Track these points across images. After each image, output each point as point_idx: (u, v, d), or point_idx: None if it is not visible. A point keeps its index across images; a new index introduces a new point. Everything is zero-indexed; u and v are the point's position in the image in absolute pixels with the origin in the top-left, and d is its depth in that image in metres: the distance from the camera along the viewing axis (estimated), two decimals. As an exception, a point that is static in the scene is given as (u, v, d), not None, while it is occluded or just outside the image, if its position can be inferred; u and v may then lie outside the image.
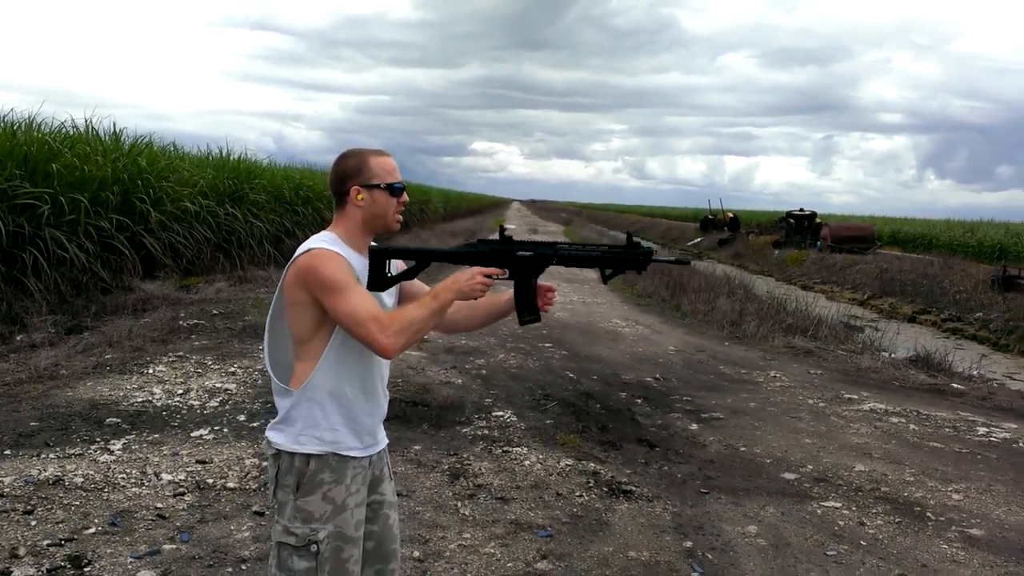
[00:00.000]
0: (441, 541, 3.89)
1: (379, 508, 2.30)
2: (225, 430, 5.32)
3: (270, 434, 2.20)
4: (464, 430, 5.58)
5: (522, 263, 2.23)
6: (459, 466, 4.88)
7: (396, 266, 2.33)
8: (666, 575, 3.68)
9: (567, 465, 5.00)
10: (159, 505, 4.12)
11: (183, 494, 4.27)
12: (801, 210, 31.96)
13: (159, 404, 5.79)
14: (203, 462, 4.73)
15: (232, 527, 3.92)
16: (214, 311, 9.31)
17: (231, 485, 4.43)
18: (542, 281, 2.32)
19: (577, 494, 4.57)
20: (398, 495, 2.93)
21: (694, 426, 6.09)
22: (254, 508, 4.14)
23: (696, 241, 36.81)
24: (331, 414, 2.15)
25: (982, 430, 6.39)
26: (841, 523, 4.37)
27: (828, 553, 3.97)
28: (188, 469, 4.61)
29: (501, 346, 8.44)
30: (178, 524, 3.92)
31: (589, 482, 4.76)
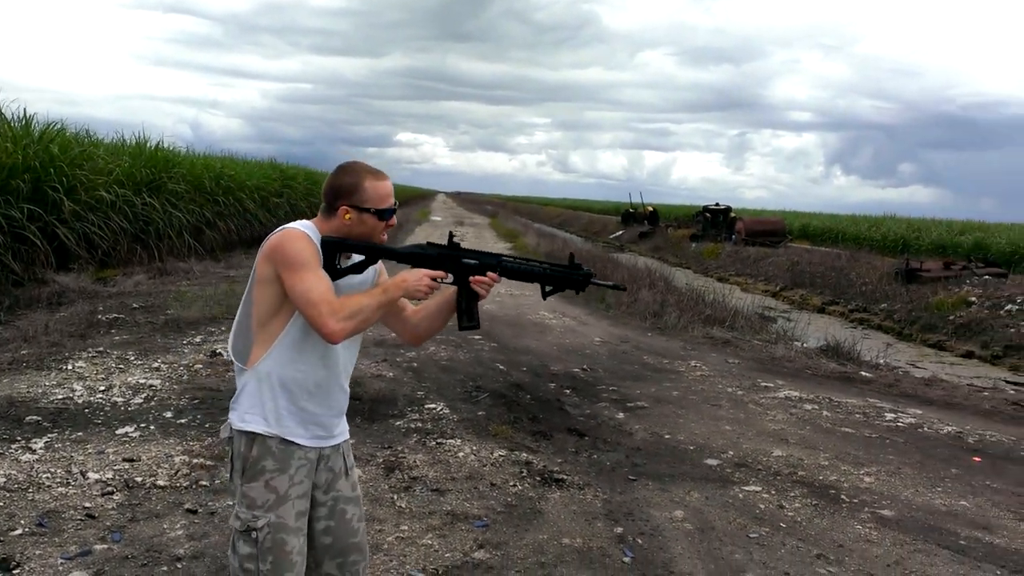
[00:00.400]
0: (379, 534, 3.93)
1: (335, 504, 2.33)
2: (152, 427, 5.21)
3: (230, 412, 2.28)
4: (397, 423, 5.61)
5: (466, 270, 2.32)
6: (394, 459, 4.92)
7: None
8: (599, 560, 3.81)
9: (500, 456, 5.09)
10: (87, 505, 4.02)
11: (112, 493, 4.18)
12: (717, 204, 32.91)
13: (81, 401, 5.62)
14: (131, 460, 4.63)
15: (165, 526, 3.87)
16: (134, 304, 9.04)
17: (161, 483, 4.36)
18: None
19: (511, 484, 4.67)
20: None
21: (620, 415, 6.27)
22: (186, 506, 4.09)
23: (618, 234, 37.47)
24: (278, 397, 2.21)
25: (889, 416, 6.79)
26: (762, 506, 4.59)
27: (751, 535, 4.18)
28: (115, 467, 4.51)
29: (431, 339, 8.48)
30: (108, 524, 3.85)
31: (522, 472, 4.87)
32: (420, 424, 5.62)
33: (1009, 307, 15.61)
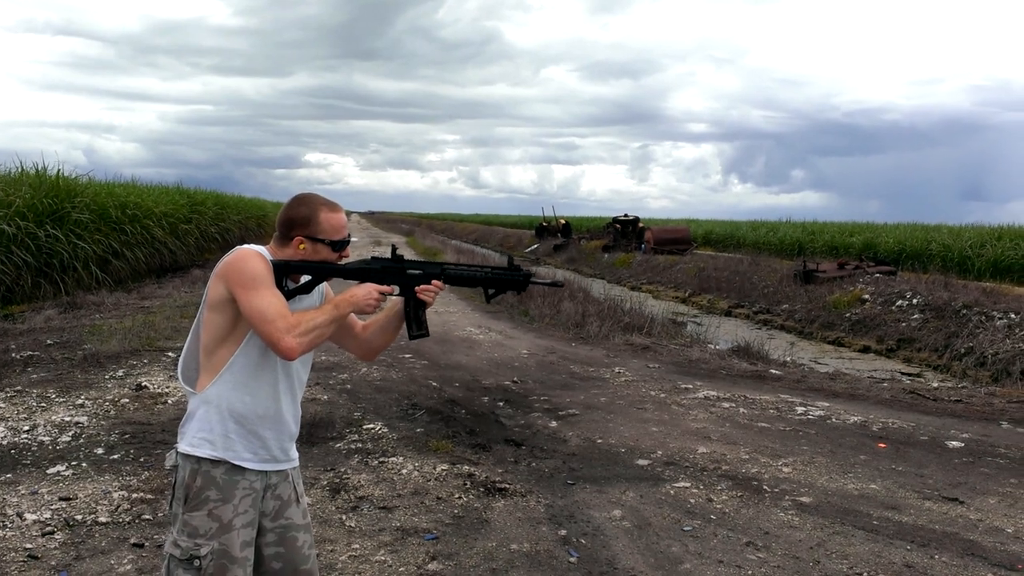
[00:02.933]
0: (331, 554, 4.00)
1: (285, 532, 2.35)
2: (84, 464, 5.12)
3: (177, 439, 2.31)
4: (337, 445, 5.67)
5: (412, 281, 2.44)
6: (338, 480, 4.98)
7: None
8: (546, 562, 3.99)
9: (443, 470, 5.22)
10: (28, 546, 3.95)
11: (52, 533, 4.11)
12: (626, 215, 33.80)
13: (5, 443, 5.44)
14: (67, 499, 4.55)
15: (112, 561, 3.84)
16: (48, 341, 8.72)
17: (103, 519, 4.31)
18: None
19: (456, 496, 4.81)
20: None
21: (554, 423, 6.49)
22: (132, 540, 4.06)
23: (533, 247, 37.98)
24: (227, 422, 2.25)
25: (800, 409, 7.24)
26: (692, 501, 4.88)
27: (685, 529, 4.45)
28: (52, 507, 4.42)
29: (375, 360, 8.51)
30: (53, 563, 3.80)
31: (465, 484, 5.01)
32: (360, 444, 5.69)
33: (900, 303, 16.64)
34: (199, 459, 2.24)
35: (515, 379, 8.05)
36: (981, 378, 11.83)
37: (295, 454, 2.44)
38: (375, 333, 2.54)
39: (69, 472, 4.98)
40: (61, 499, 4.54)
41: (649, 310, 13.52)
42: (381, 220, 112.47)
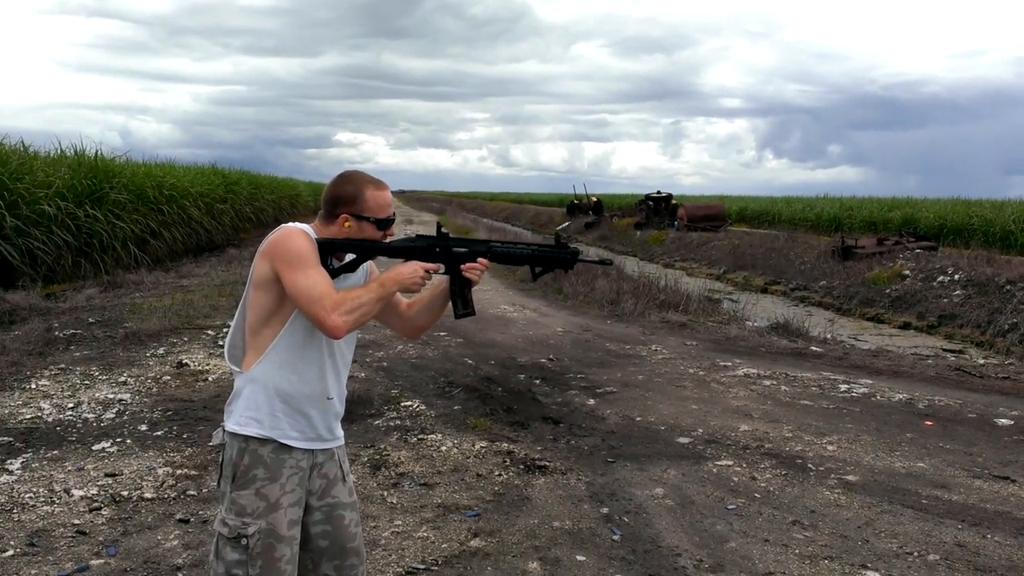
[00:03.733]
0: (374, 530, 4.00)
1: (332, 510, 2.34)
2: (128, 441, 5.18)
3: (224, 417, 2.30)
4: (376, 422, 5.68)
5: (458, 259, 2.39)
6: (378, 457, 4.99)
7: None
8: (589, 540, 3.96)
9: (482, 447, 5.20)
10: (76, 521, 4.01)
11: (99, 509, 4.16)
12: (659, 192, 33.47)
13: (51, 420, 5.54)
14: (113, 475, 4.61)
15: (159, 537, 3.88)
16: (90, 319, 8.85)
17: (148, 495, 4.35)
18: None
19: (496, 473, 4.79)
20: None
21: (591, 401, 6.44)
22: (178, 516, 4.10)
23: (564, 225, 37.82)
24: (274, 400, 2.23)
25: (843, 387, 7.11)
26: (735, 479, 4.81)
27: (729, 507, 4.38)
28: (99, 483, 4.48)
29: (398, 337, 8.52)
30: (101, 539, 3.84)
31: (505, 461, 4.99)
32: (399, 422, 5.70)
33: (941, 278, 16.29)
34: (246, 438, 2.23)
35: (551, 357, 8.01)
36: (1025, 354, 11.55)
37: (340, 433, 2.42)
38: (420, 312, 2.50)
39: (114, 449, 5.04)
40: (107, 475, 4.60)
41: (684, 287, 13.38)
42: (412, 199, 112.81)
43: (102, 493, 4.35)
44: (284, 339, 2.24)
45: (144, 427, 5.45)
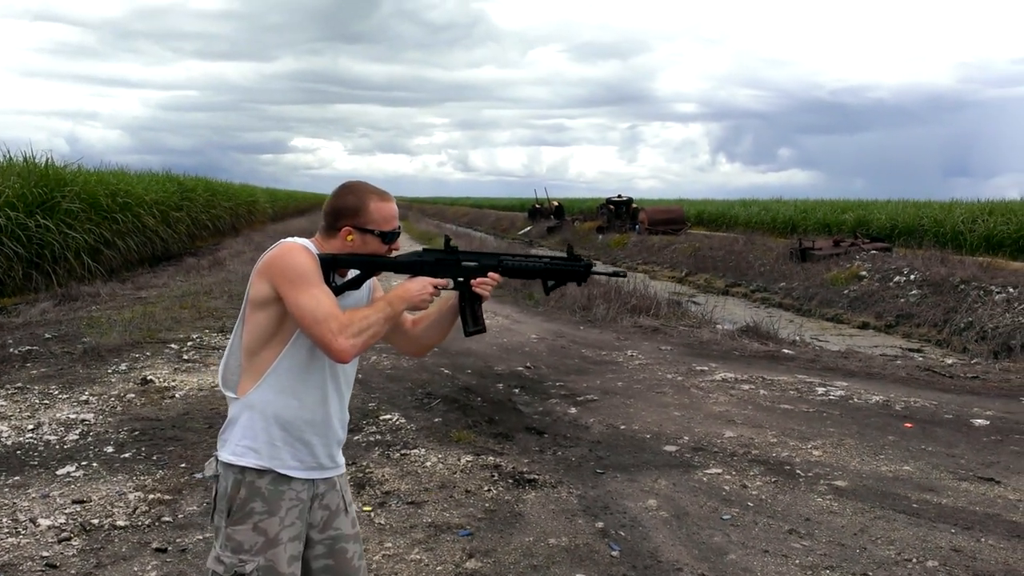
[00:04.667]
0: (364, 554, 3.83)
1: (334, 543, 2.22)
2: (94, 464, 4.93)
3: (217, 447, 2.16)
4: (356, 437, 5.50)
5: (467, 274, 2.27)
6: (361, 475, 4.83)
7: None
8: (588, 557, 3.85)
9: (468, 461, 5.07)
10: (45, 554, 3.77)
11: (69, 539, 3.93)
12: (619, 196, 33.62)
13: (9, 443, 5.25)
14: (81, 502, 4.36)
15: (135, 568, 3.67)
16: (46, 335, 8.47)
17: (120, 523, 4.13)
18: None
19: (485, 489, 4.66)
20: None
21: (573, 410, 6.35)
22: (154, 545, 3.89)
23: (526, 230, 37.77)
24: (272, 428, 2.10)
25: (820, 390, 7.13)
26: (727, 488, 4.75)
27: (724, 517, 4.32)
28: (66, 511, 4.24)
29: (370, 348, 8.35)
30: (73, 572, 3.62)
31: (493, 475, 4.86)
32: (379, 436, 5.53)
33: (897, 279, 16.60)
34: (243, 469, 2.09)
35: (528, 365, 7.90)
36: (981, 352, 11.80)
37: (342, 460, 2.28)
38: (427, 329, 2.37)
39: (80, 473, 4.79)
40: (74, 502, 4.36)
41: (653, 291, 13.39)
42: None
43: (71, 522, 4.11)
44: (284, 362, 2.11)
45: (110, 449, 5.19)
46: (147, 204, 16.58)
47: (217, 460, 2.14)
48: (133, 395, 6.36)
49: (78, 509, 4.27)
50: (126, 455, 5.09)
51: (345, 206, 2.16)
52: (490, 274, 2.28)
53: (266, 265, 2.07)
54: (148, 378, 6.80)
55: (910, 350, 12.18)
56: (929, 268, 16.24)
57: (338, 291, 2.15)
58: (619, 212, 32.30)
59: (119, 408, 6.04)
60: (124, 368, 7.21)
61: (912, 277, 16.32)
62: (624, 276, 2.66)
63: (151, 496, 4.46)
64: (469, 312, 2.30)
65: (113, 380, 6.81)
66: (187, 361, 7.58)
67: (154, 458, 5.05)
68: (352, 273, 2.22)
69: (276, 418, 2.10)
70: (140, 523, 4.14)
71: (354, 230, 2.14)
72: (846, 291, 17.07)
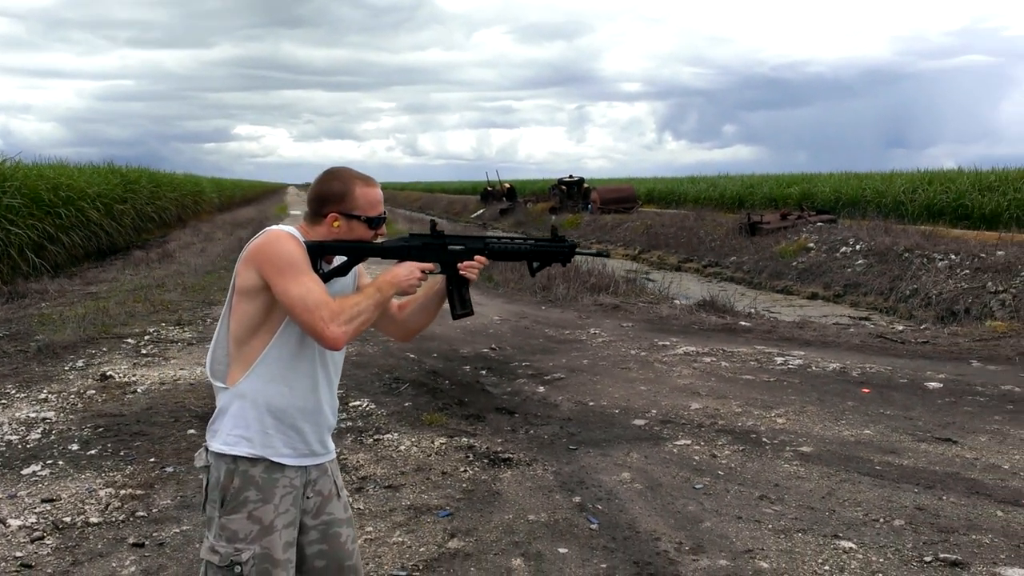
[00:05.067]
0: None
1: (328, 528, 2.22)
2: (60, 463, 4.83)
3: (207, 437, 2.15)
4: (327, 425, 5.48)
5: (454, 257, 2.28)
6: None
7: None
8: (568, 531, 3.92)
9: (442, 443, 5.10)
10: (18, 554, 3.70)
11: (42, 538, 3.86)
12: (571, 177, 33.76)
13: (-31, 445, 5.11)
14: (50, 500, 4.28)
15: (114, 564, 3.62)
16: (-4, 334, 8.24)
17: (94, 520, 4.06)
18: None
19: (461, 469, 4.70)
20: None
21: (541, 389, 6.41)
22: (131, 540, 3.84)
23: (479, 212, 37.69)
24: (264, 417, 2.10)
25: (779, 360, 7.31)
26: (697, 458, 4.86)
27: (696, 487, 4.42)
28: (36, 511, 4.15)
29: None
30: (49, 571, 3.56)
31: (468, 456, 4.90)
32: (351, 423, 5.52)
33: (844, 249, 17.03)
34: (235, 458, 2.08)
35: (493, 346, 7.94)
36: (927, 318, 12.21)
37: (332, 446, 2.28)
38: (413, 313, 2.37)
39: (46, 472, 4.69)
40: (44, 501, 4.27)
41: (611, 270, 13.53)
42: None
43: (42, 521, 4.03)
44: (274, 350, 2.10)
45: (75, 447, 5.09)
46: (90, 197, 16.11)
47: (207, 450, 2.13)
48: (93, 391, 6.23)
49: (48, 508, 4.18)
50: (92, 452, 5.00)
51: (331, 192, 2.15)
52: (477, 257, 2.29)
53: (253, 254, 2.05)
54: (107, 374, 6.65)
55: (859, 318, 12.55)
56: (874, 238, 16.68)
57: (326, 278, 2.14)
58: (571, 192, 32.45)
59: (80, 405, 5.91)
60: (81, 365, 7.04)
61: (858, 247, 16.75)
62: (608, 256, 2.71)
63: (123, 492, 4.39)
64: (457, 295, 2.31)
65: (71, 377, 6.65)
66: (146, 356, 7.44)
67: (121, 454, 4.97)
68: (339, 260, 2.22)
69: (268, 406, 2.09)
70: (114, 519, 4.08)
71: (340, 216, 2.13)
72: (795, 263, 17.46)
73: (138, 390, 6.31)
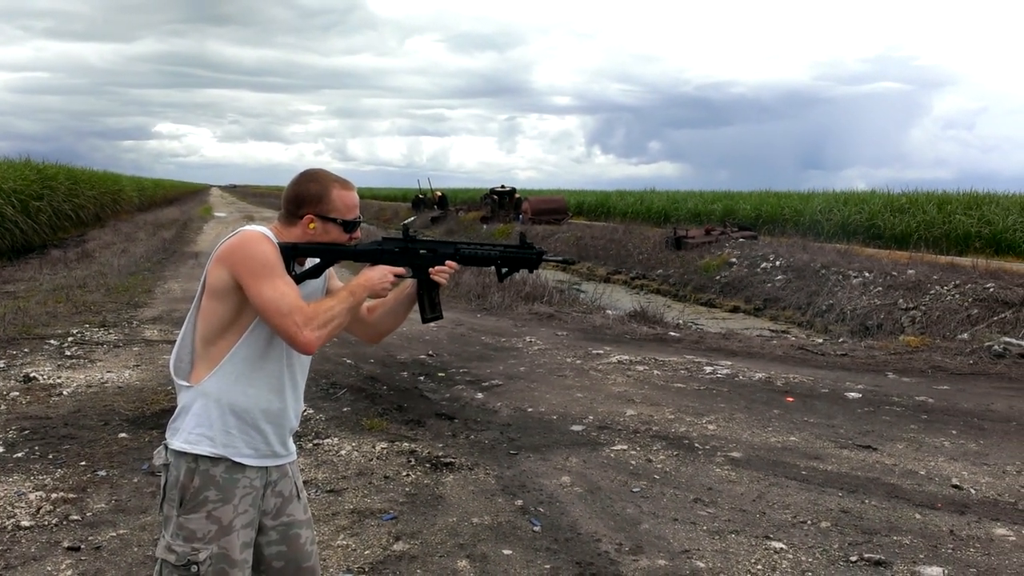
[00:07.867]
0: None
1: (288, 529, 2.23)
2: (-16, 466, 4.65)
3: (167, 435, 2.14)
4: (265, 429, 5.43)
5: (425, 262, 2.32)
6: (276, 465, 4.78)
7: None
8: (511, 533, 3.99)
9: (383, 448, 5.11)
10: (-55, 560, 3.56)
11: (-31, 543, 3.72)
12: (503, 187, 33.95)
13: None
14: (-25, 504, 4.13)
15: (49, 568, 3.53)
16: (-94, 333, 7.83)
17: (25, 523, 3.94)
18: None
19: (403, 474, 4.72)
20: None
21: (480, 395, 6.48)
22: (65, 544, 3.74)
23: (410, 220, 37.28)
24: (227, 416, 2.10)
25: (708, 369, 7.56)
26: (633, 463, 5.01)
27: (634, 490, 4.56)
28: (-39, 515, 4.00)
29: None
30: (-21, 577, 3.44)
31: (409, 461, 4.93)
32: (290, 427, 5.47)
33: (764, 265, 17.65)
34: (196, 457, 2.08)
35: (430, 352, 7.97)
36: (842, 332, 12.76)
37: (294, 447, 2.31)
38: (383, 316, 2.39)
39: (-31, 476, 4.51)
40: (-31, 505, 4.11)
41: (544, 279, 13.70)
42: (247, 194, 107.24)
43: (-32, 526, 3.88)
44: (241, 351, 2.10)
45: (1, 449, 4.91)
46: (4, 193, 15.43)
47: (167, 448, 2.12)
48: (17, 393, 6.00)
49: (-26, 513, 4.03)
50: (19, 455, 4.83)
51: (308, 193, 2.17)
52: (447, 262, 2.34)
53: (226, 253, 2.05)
54: (31, 375, 6.42)
55: (779, 331, 13.04)
56: (792, 255, 17.33)
57: (298, 280, 2.16)
58: (502, 202, 32.63)
59: (3, 407, 5.70)
60: (2, 366, 6.77)
61: (777, 263, 17.38)
62: (574, 263, 2.80)
63: (54, 495, 4.26)
64: (427, 299, 2.36)
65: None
66: (71, 357, 7.20)
67: (50, 457, 4.82)
68: (311, 261, 2.25)
69: (231, 406, 2.10)
70: (47, 523, 3.96)
71: (316, 218, 2.15)
72: (718, 277, 18.00)
73: (64, 392, 6.11)
